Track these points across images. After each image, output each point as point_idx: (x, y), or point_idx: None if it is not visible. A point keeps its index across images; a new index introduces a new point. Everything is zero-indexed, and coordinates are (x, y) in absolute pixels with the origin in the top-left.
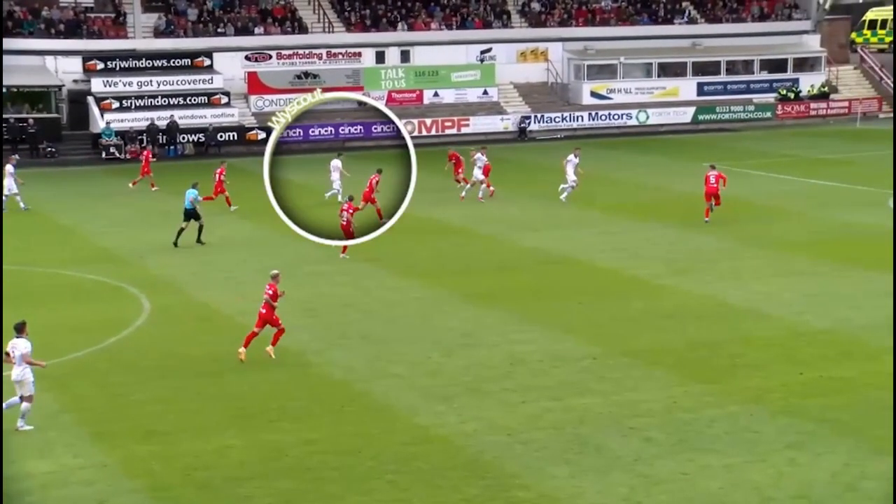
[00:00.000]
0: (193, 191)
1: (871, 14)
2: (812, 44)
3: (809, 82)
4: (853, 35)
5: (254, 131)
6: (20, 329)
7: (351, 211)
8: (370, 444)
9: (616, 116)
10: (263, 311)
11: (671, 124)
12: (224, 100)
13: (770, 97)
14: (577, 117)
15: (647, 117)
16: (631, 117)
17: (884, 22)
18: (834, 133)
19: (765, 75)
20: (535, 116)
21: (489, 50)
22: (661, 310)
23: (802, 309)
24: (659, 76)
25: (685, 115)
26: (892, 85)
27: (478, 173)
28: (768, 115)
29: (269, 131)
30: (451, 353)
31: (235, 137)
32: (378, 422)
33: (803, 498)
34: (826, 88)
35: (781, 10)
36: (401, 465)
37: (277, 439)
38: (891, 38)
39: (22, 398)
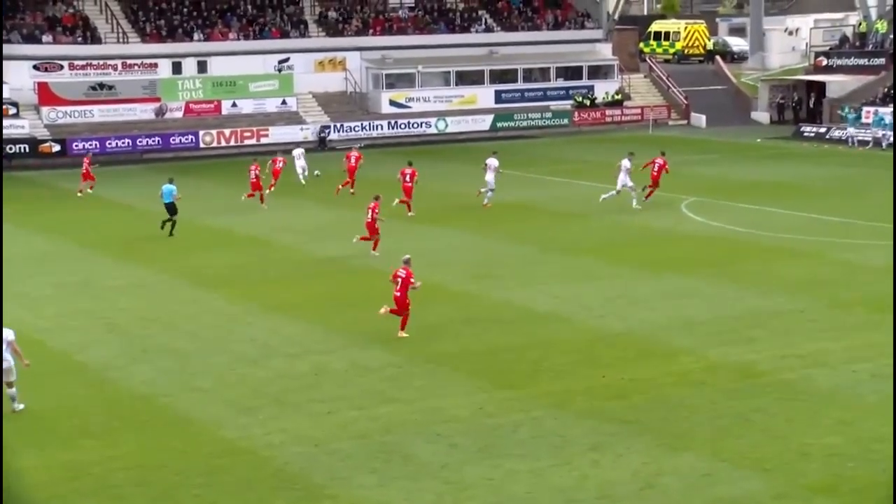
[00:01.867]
0: (171, 186)
1: (655, 26)
2: (604, 52)
3: (604, 89)
4: (641, 45)
5: (47, 143)
6: None
7: (378, 210)
8: (175, 458)
9: (415, 125)
10: (398, 294)
11: (470, 132)
12: (12, 111)
13: (567, 104)
14: (377, 126)
15: (447, 125)
16: (430, 126)
17: (667, 34)
18: (629, 139)
19: (561, 82)
20: (335, 126)
21: (287, 60)
22: (464, 316)
23: (602, 312)
24: (457, 84)
25: (484, 122)
26: (678, 93)
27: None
28: (565, 121)
29: (63, 143)
30: (255, 364)
31: (27, 150)
32: (183, 435)
33: (606, 498)
34: (619, 96)
35: (574, 18)
36: (207, 479)
37: (77, 458)
38: (675, 50)
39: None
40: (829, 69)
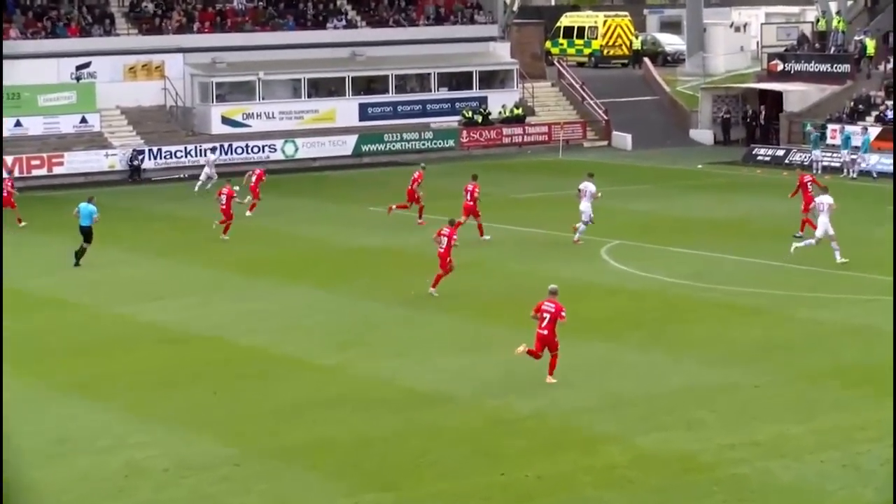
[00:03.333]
0: (91, 206)
1: (566, 20)
2: (501, 53)
3: (500, 102)
4: (548, 44)
5: None
6: None
7: (455, 237)
8: None
9: (255, 149)
10: (545, 332)
11: (327, 157)
12: None
13: (453, 121)
14: (206, 151)
15: (296, 149)
16: (275, 150)
17: (582, 30)
18: (533, 166)
19: (445, 93)
20: (151, 151)
21: (88, 65)
22: (322, 397)
23: (502, 389)
24: (310, 96)
25: (345, 145)
26: (596, 106)
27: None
28: (451, 143)
29: None
30: (48, 463)
31: None
32: None
33: None
34: (521, 110)
35: (462, 11)
36: None
37: None
38: (591, 50)
39: None
40: (785, 75)
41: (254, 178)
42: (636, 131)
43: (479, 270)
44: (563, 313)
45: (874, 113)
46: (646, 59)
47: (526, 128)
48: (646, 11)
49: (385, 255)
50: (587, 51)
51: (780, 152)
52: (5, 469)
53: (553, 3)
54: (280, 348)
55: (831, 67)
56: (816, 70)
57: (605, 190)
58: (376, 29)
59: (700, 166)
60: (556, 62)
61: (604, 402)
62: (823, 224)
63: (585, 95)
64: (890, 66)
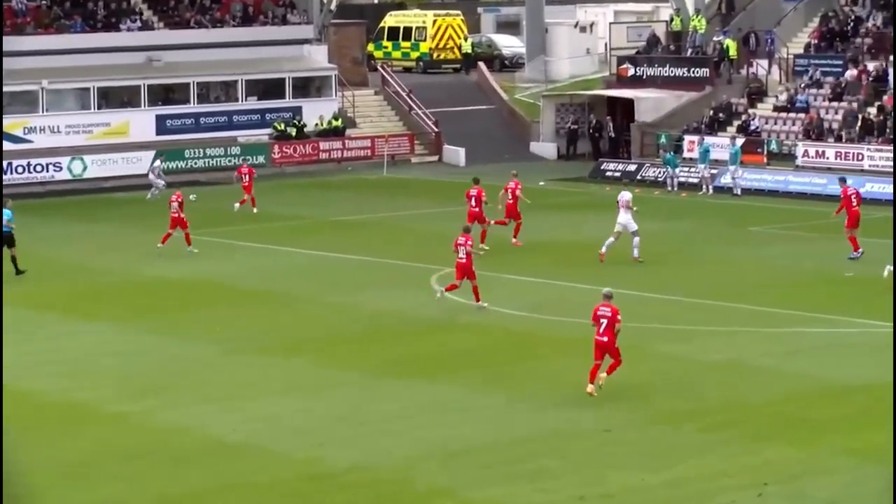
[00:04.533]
0: (8, 211)
1: (390, 20)
2: (318, 58)
3: (317, 112)
4: (370, 47)
5: None
6: None
7: (470, 244)
8: None
9: (38, 168)
10: (605, 338)
11: (120, 177)
12: None
13: (263, 134)
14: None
15: (85, 167)
16: (60, 168)
17: (408, 31)
18: (354, 185)
19: (254, 103)
20: None
21: None
22: (122, 450)
23: (320, 438)
24: (100, 107)
25: (140, 162)
26: (425, 117)
27: None
28: (261, 159)
29: None
30: None
31: None
32: None
33: None
34: (340, 122)
35: (273, 10)
36: None
37: None
38: (418, 54)
39: None
40: (637, 81)
41: (247, 179)
42: (470, 145)
43: (293, 303)
44: (619, 317)
45: (736, 122)
46: (480, 64)
47: (346, 141)
48: (480, 10)
49: (190, 288)
50: (415, 54)
51: (632, 167)
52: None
53: (376, 0)
54: (68, 395)
55: (688, 72)
56: (672, 75)
57: (436, 212)
58: (176, 31)
59: (542, 183)
60: (379, 67)
61: (435, 452)
62: (623, 221)
63: (413, 105)
64: (753, 69)
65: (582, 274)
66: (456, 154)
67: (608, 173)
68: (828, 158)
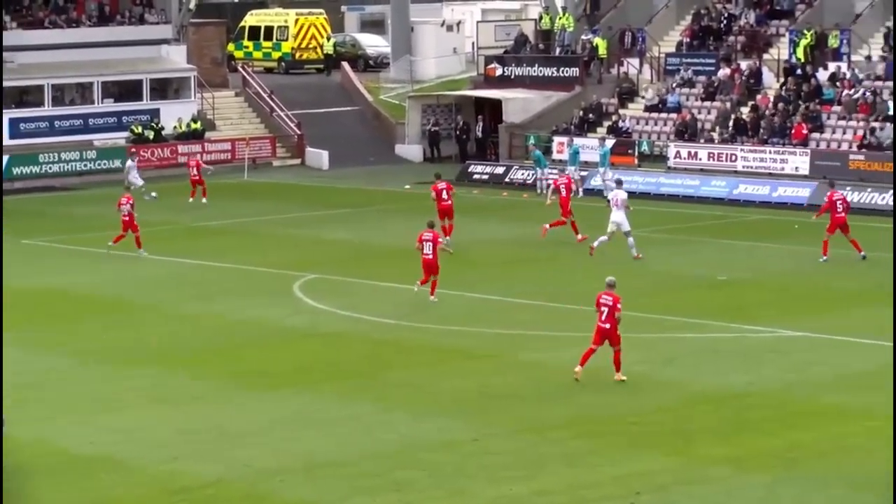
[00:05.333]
0: None
1: (251, 19)
2: (176, 58)
3: (175, 115)
4: (231, 47)
5: None
6: None
7: (441, 240)
8: None
9: None
10: (607, 325)
11: None
12: None
13: (120, 137)
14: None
15: None
16: None
17: (270, 30)
18: (214, 189)
19: (110, 105)
20: None
21: None
22: None
23: (177, 451)
24: None
25: None
26: (287, 119)
27: None
28: (118, 163)
29: None
30: None
31: None
32: None
33: None
34: (199, 124)
35: (130, 10)
36: None
37: None
38: (279, 54)
39: None
40: (505, 81)
41: (195, 172)
42: (334, 147)
43: (149, 313)
44: (619, 305)
45: (606, 123)
46: (344, 64)
47: (206, 144)
48: (344, 9)
49: (42, 298)
50: (276, 54)
51: (500, 170)
52: None
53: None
54: None
55: (557, 71)
56: (540, 74)
57: (300, 216)
58: (29, 31)
59: (408, 187)
60: (240, 68)
61: (298, 464)
62: (616, 220)
63: (275, 106)
64: (624, 69)
65: (447, 279)
66: (319, 157)
67: (476, 176)
68: (700, 159)
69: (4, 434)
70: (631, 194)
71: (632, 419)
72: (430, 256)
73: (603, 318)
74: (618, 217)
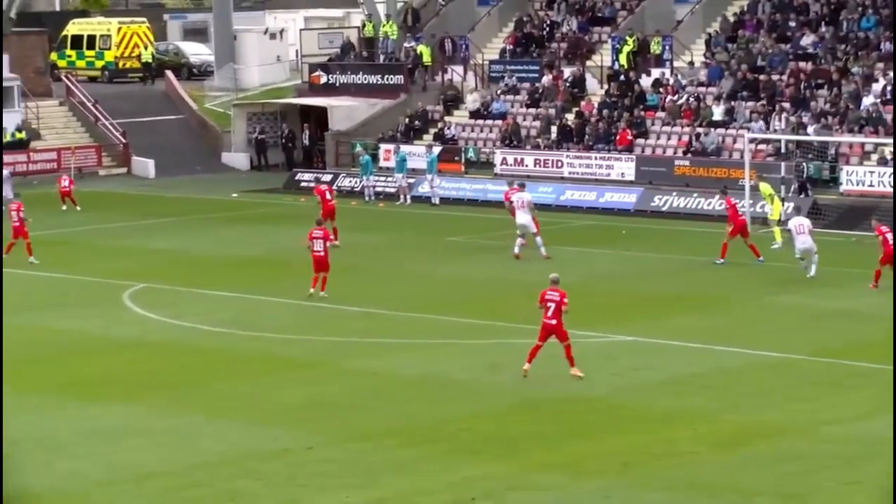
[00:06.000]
0: None
1: (73, 28)
2: None
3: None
4: (53, 56)
5: None
6: None
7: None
8: None
9: None
10: (553, 321)
11: None
12: None
13: None
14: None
15: None
16: None
17: (92, 39)
18: (39, 199)
19: None
20: None
21: None
22: None
23: (8, 465)
24: None
25: None
26: (112, 128)
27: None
28: None
29: None
30: None
31: None
32: None
33: None
34: (24, 134)
35: None
36: None
37: None
38: (103, 63)
39: None
40: (330, 89)
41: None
42: (160, 156)
43: None
44: (566, 300)
45: (433, 130)
46: (168, 73)
47: (31, 154)
48: (166, 17)
49: None
50: (100, 63)
51: (327, 177)
52: None
53: (58, 8)
54: None
55: (382, 79)
56: (365, 82)
57: (127, 225)
58: None
59: (235, 195)
60: (63, 77)
61: (127, 474)
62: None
63: (100, 115)
64: (449, 76)
65: (276, 287)
66: (145, 166)
67: (303, 183)
68: (527, 166)
69: None
70: (459, 201)
71: (462, 425)
72: (321, 253)
73: (549, 314)
74: (523, 219)
